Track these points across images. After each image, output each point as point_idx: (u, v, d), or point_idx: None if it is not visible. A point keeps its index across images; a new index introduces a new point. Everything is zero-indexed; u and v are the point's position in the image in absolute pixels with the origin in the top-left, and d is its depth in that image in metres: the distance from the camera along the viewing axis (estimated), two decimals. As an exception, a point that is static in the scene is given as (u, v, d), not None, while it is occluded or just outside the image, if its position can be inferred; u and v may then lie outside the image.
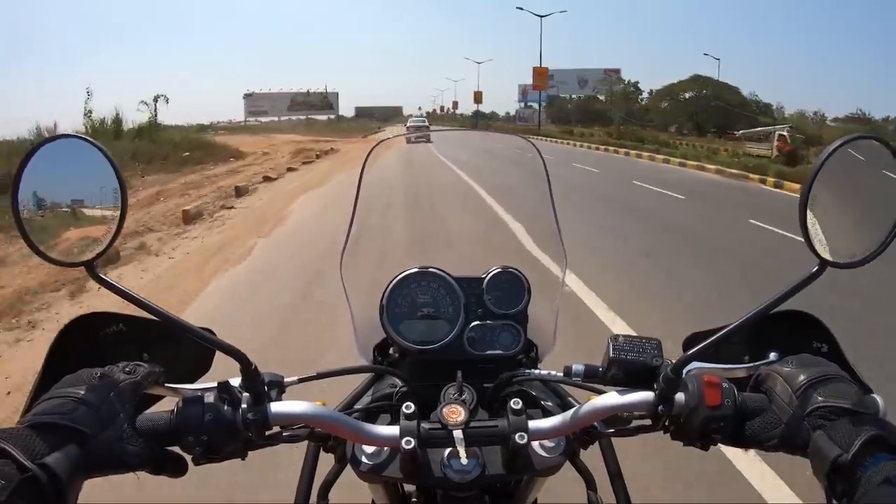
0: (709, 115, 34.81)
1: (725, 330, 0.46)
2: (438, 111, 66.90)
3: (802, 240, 0.44)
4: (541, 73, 35.31)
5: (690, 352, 0.47)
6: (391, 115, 66.48)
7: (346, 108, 73.91)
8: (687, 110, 37.20)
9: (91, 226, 0.54)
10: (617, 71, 45.35)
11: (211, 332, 0.49)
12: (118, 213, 0.51)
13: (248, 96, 62.95)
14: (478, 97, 48.75)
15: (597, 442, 0.56)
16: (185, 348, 0.54)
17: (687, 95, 38.15)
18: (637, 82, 43.98)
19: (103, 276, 0.50)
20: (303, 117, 60.17)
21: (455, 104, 61.63)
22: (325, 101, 63.55)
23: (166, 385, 0.50)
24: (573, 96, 47.75)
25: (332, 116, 63.06)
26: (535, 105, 48.75)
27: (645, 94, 42.04)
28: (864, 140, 0.45)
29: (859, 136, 0.44)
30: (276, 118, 60.18)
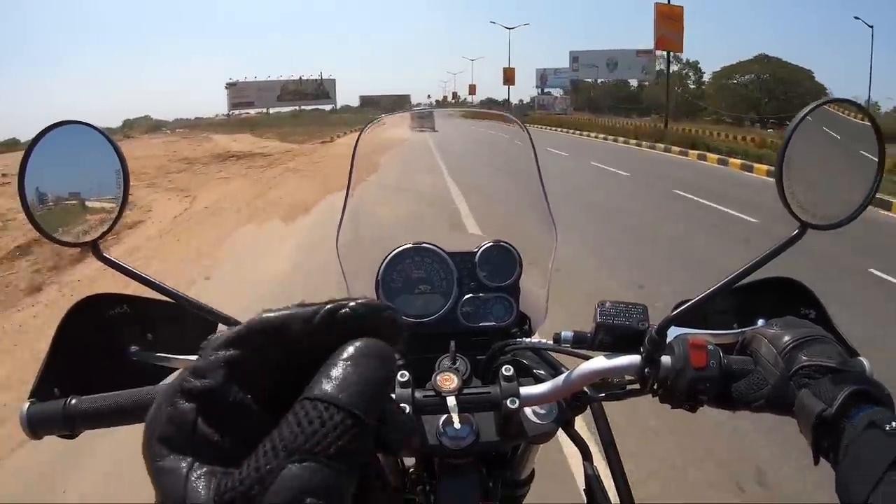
0: (775, 102, 32.75)
1: (709, 291, 0.53)
2: (451, 98, 67.62)
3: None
4: (670, 18, 21.80)
5: (674, 313, 0.54)
6: (398, 104, 67.66)
7: (351, 98, 74.94)
8: (748, 96, 35.00)
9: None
10: (650, 52, 45.20)
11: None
12: (121, 194, 0.61)
13: (231, 86, 61.88)
14: (509, 75, 45.14)
15: (590, 410, 0.63)
16: (190, 327, 0.63)
17: (744, 79, 36.41)
18: (697, 62, 42.63)
19: (108, 256, 0.60)
20: (295, 108, 60.52)
21: (472, 88, 61.23)
22: (321, 90, 63.34)
23: (169, 356, 0.59)
24: (600, 81, 47.40)
25: (331, 107, 63.08)
26: (555, 92, 48.55)
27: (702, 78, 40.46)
28: (839, 103, 0.53)
29: (833, 99, 0.52)
30: (263, 110, 60.29)
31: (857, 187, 0.51)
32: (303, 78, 63.29)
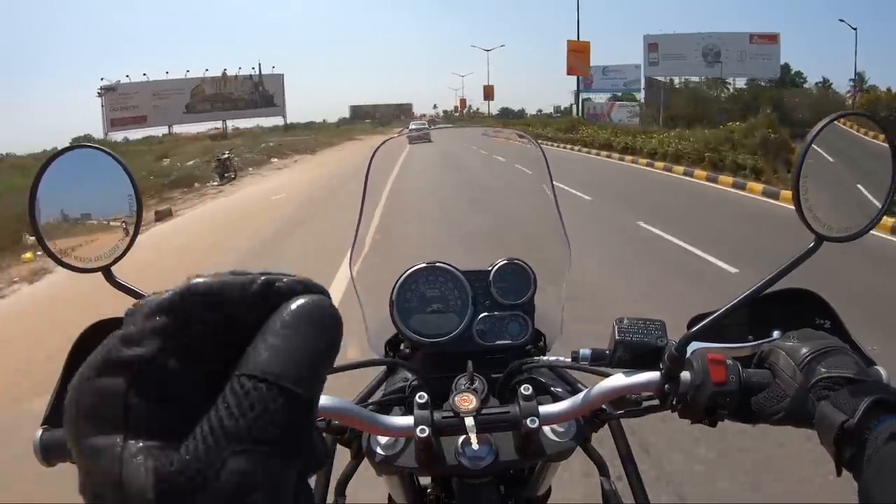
0: None
1: (727, 306, 0.81)
2: (473, 110, 72.32)
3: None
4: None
5: (693, 329, 0.81)
6: (397, 114, 72.72)
7: (341, 108, 78.00)
8: None
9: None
10: (773, 37, 44.53)
11: None
12: (133, 219, 0.91)
13: (107, 91, 52.87)
14: (488, 92, 47.92)
15: (607, 426, 0.93)
16: None
17: None
18: None
19: (121, 282, 0.89)
20: (217, 124, 55.13)
21: (455, 103, 67.42)
22: (260, 93, 57.67)
23: None
24: (684, 80, 46.60)
25: (281, 122, 58.24)
26: (595, 98, 48.17)
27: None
28: (855, 116, 0.78)
29: (850, 112, 0.78)
30: (163, 127, 53.82)
31: (871, 199, 0.76)
32: (228, 74, 56.88)
